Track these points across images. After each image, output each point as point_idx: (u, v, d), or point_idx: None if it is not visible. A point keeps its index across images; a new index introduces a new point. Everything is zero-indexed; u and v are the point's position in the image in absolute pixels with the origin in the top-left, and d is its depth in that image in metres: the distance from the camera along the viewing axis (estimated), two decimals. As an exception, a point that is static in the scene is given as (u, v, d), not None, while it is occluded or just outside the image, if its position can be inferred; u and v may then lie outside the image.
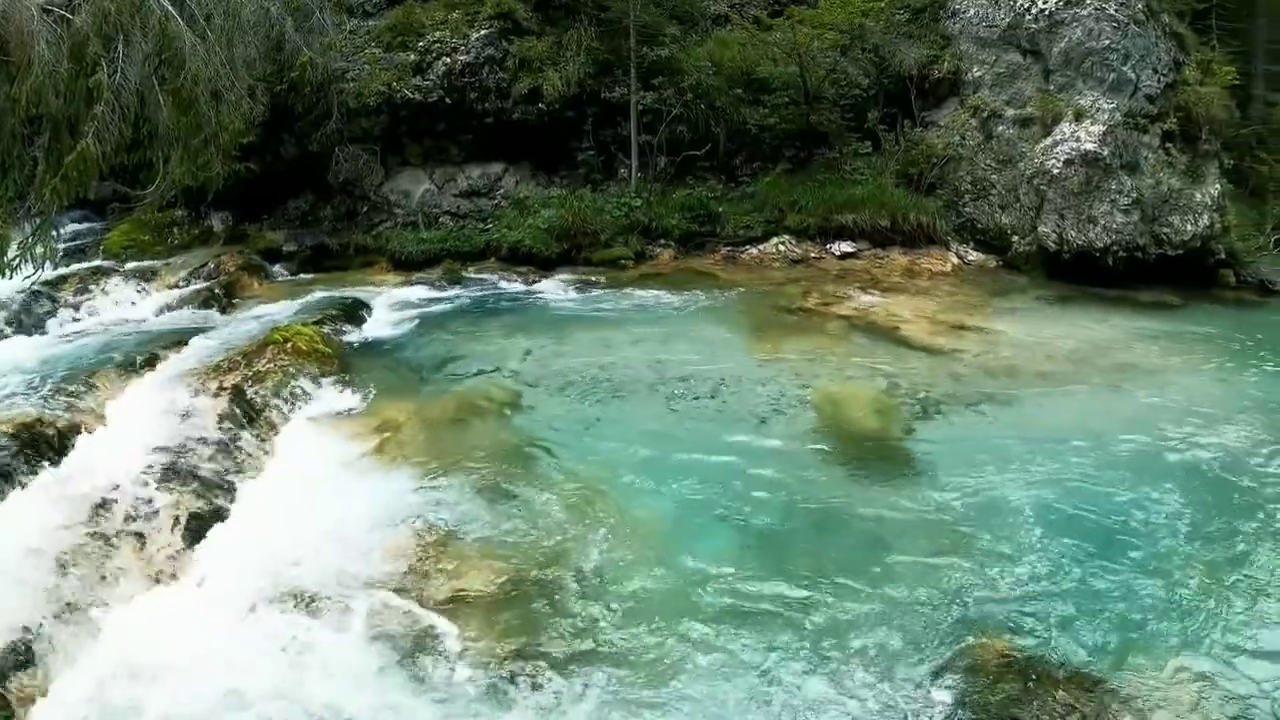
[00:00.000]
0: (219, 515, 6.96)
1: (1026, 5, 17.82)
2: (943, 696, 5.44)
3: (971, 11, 18.79)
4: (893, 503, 7.82)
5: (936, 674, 5.63)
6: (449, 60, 17.88)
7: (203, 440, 7.88)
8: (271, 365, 9.79)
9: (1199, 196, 16.85)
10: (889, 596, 6.42)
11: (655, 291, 15.00)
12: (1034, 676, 5.57)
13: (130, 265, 14.89)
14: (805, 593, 6.42)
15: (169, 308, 13.30)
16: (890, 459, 8.90)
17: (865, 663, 5.71)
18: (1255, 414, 10.18)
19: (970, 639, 5.94)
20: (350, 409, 9.46)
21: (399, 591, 6.21)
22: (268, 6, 13.84)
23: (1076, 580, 6.74)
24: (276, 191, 17.55)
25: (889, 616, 6.18)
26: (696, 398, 10.14)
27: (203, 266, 14.97)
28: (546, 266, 16.47)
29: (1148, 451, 9.06)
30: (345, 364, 10.73)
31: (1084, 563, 6.96)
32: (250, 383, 9.28)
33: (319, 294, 14.14)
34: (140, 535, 6.36)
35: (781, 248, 17.53)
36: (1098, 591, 6.60)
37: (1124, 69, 16.86)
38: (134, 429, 7.93)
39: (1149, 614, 6.35)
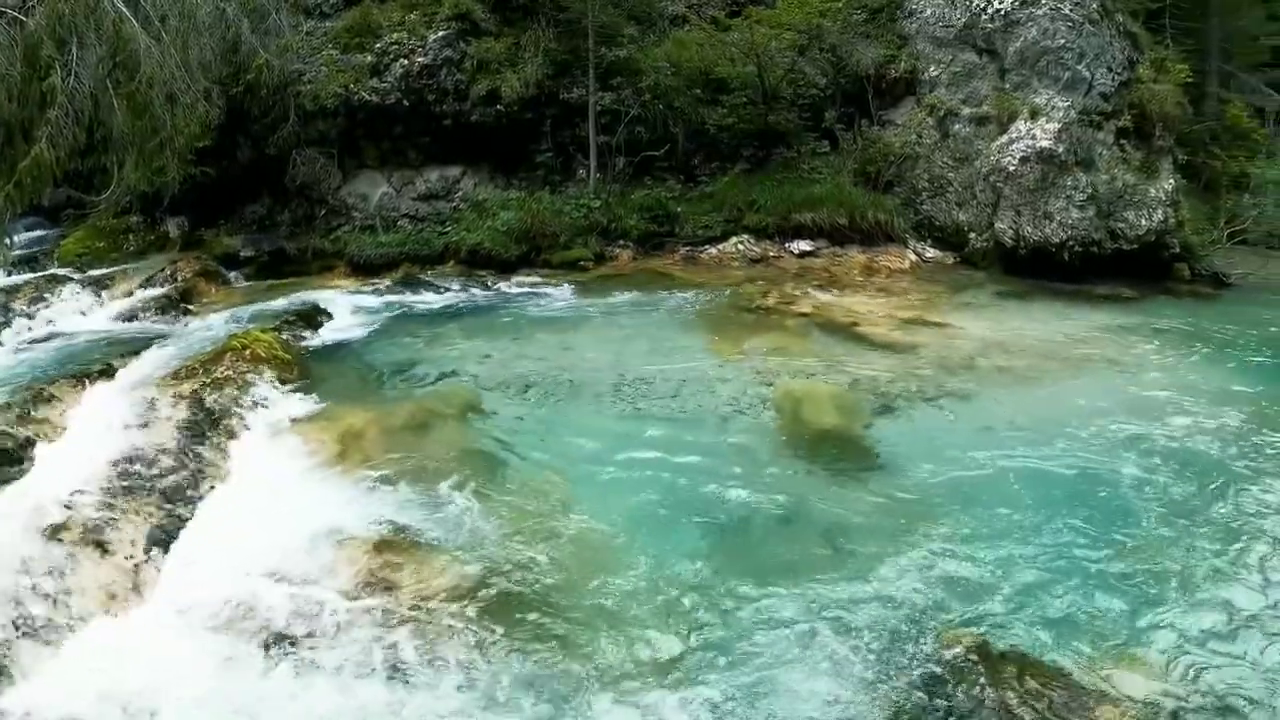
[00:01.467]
0: (179, 526, 6.89)
1: (982, 5, 18.04)
2: (911, 689, 5.47)
3: (928, 11, 19.01)
4: (856, 498, 7.88)
5: (904, 667, 5.67)
6: (406, 62, 17.80)
7: (162, 450, 7.80)
8: (230, 372, 9.71)
9: (1153, 192, 17.14)
10: (854, 592, 6.46)
11: (615, 292, 15.06)
12: (1003, 665, 5.62)
13: (85, 273, 14.73)
14: (770, 590, 6.44)
15: (125, 316, 13.16)
16: (853, 455, 8.98)
17: (831, 658, 5.74)
18: (1211, 403, 10.39)
19: (938, 630, 6.00)
20: (311, 415, 9.37)
21: (364, 601, 6.17)
22: (223, 7, 13.73)
23: (1041, 569, 6.84)
24: (233, 196, 17.40)
25: (855, 611, 6.21)
26: (658, 398, 10.16)
27: (159, 273, 14.83)
28: (506, 269, 16.47)
29: (1107, 442, 9.22)
30: (305, 370, 10.64)
31: (1048, 552, 7.08)
32: (209, 390, 9.20)
33: (277, 299, 14.05)
34: (100, 547, 6.29)
35: (740, 247, 17.65)
36: (1063, 580, 6.70)
37: (1079, 67, 17.10)
38: (92, 440, 7.87)
39: (1116, 601, 6.46)
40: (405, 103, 17.76)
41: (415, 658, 5.64)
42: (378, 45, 17.93)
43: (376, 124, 17.95)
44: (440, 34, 18.15)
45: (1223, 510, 7.84)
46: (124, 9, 11.98)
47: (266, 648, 5.65)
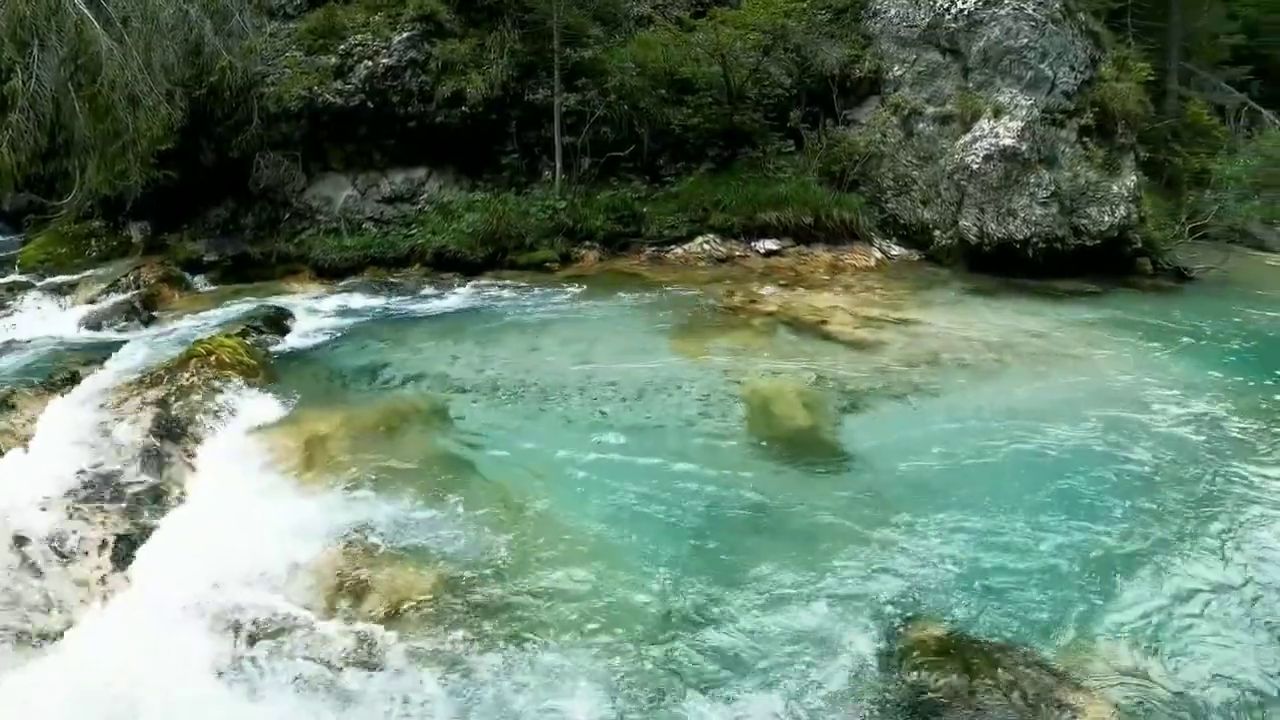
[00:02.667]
0: (146, 535, 6.87)
1: (946, 5, 18.23)
2: (884, 683, 5.56)
3: (892, 11, 19.18)
4: (824, 494, 7.97)
5: (876, 662, 5.76)
6: (371, 63, 17.69)
7: (128, 458, 7.78)
8: (195, 379, 9.64)
9: (1115, 188, 17.38)
10: (825, 587, 6.54)
11: (581, 293, 15.11)
12: (973, 656, 5.74)
13: (47, 280, 14.58)
14: (740, 589, 6.50)
15: (89, 323, 13.01)
16: (820, 451, 9.08)
17: (803, 655, 5.80)
18: (1174, 395, 10.65)
19: (908, 624, 6.10)
20: (277, 421, 9.34)
21: (334, 607, 6.17)
22: (186, 8, 13.64)
23: (1009, 560, 6.97)
24: (196, 199, 17.22)
25: (826, 607, 6.29)
26: (625, 399, 10.20)
27: (122, 279, 14.68)
28: (471, 271, 16.44)
29: (1071, 434, 9.41)
30: (270, 375, 10.59)
31: (1016, 543, 7.21)
32: (174, 397, 9.14)
33: (242, 304, 13.99)
34: (67, 558, 6.28)
35: (706, 247, 17.72)
36: (1031, 569, 6.84)
37: (1041, 67, 17.32)
38: (57, 449, 7.83)
39: (1083, 590, 6.60)
40: (369, 104, 17.66)
41: (384, 662, 5.64)
42: (342, 47, 17.81)
43: (341, 126, 17.82)
44: (405, 35, 18.06)
45: (1185, 498, 8.06)
46: (86, 10, 11.90)
47: (234, 656, 5.64)
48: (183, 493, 7.68)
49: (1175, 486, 8.26)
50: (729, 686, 5.54)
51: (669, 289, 15.43)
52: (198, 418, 8.93)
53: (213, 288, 15.62)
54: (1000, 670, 5.60)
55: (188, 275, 15.72)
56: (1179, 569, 6.89)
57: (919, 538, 7.25)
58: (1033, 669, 5.65)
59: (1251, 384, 11.29)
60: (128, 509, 7.06)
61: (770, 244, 17.78)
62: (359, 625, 5.99)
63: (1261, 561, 7.09)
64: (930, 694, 5.46)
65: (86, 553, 6.40)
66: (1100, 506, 7.88)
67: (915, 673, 5.63)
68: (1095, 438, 9.35)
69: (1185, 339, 13.36)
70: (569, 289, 15.39)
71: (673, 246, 17.80)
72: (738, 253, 17.63)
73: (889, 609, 6.30)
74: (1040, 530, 7.40)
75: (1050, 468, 8.57)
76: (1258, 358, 12.75)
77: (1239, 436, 9.62)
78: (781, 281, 15.93)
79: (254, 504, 7.59)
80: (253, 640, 5.76)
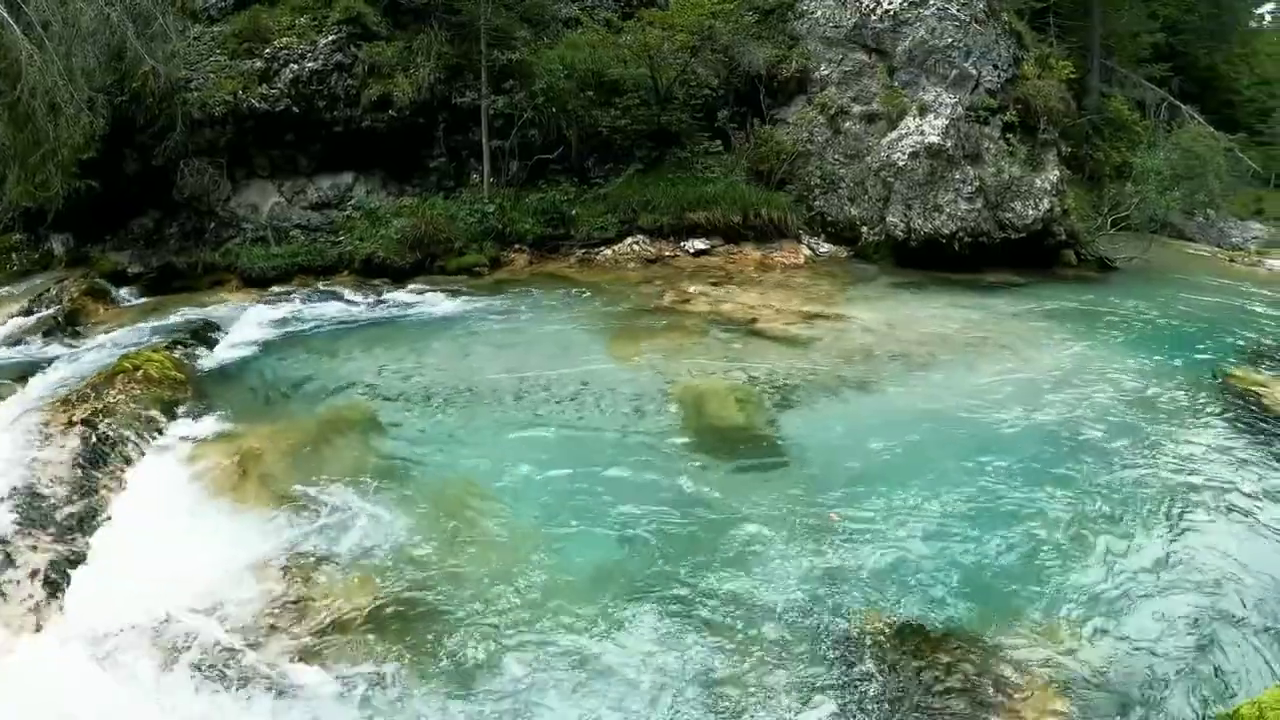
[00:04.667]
0: (78, 560, 6.75)
1: (872, 6, 18.58)
2: (828, 671, 5.69)
3: (819, 13, 19.51)
4: (761, 491, 8.07)
5: (820, 651, 5.88)
6: (297, 67, 17.62)
7: (55, 480, 7.65)
8: (122, 396, 9.51)
9: (1039, 183, 17.85)
10: (765, 584, 6.64)
11: (512, 297, 15.13)
12: (915, 641, 5.91)
13: (-36, 297, 14.27)
14: (680, 590, 6.57)
15: (10, 340, 12.78)
16: (755, 449, 9.20)
17: (747, 654, 5.89)
18: (1099, 379, 11.07)
19: (850, 614, 6.23)
20: (208, 437, 9.20)
21: (272, 627, 6.13)
22: (108, 12, 13.36)
23: (945, 546, 7.17)
24: (119, 210, 17.02)
25: (767, 604, 6.39)
26: (560, 401, 10.27)
27: (45, 293, 14.45)
28: (401, 277, 16.44)
29: (1001, 421, 9.71)
30: (200, 390, 10.49)
31: (950, 530, 7.41)
32: (101, 416, 8.97)
33: (169, 317, 13.84)
34: (-5, 587, 6.19)
35: (636, 247, 17.88)
36: (966, 555, 7.04)
37: (966, 65, 17.73)
38: (-20, 473, 7.69)
39: (1017, 572, 6.84)
40: (295, 109, 17.57)
41: (323, 680, 5.63)
42: (267, 50, 17.70)
43: (266, 131, 17.71)
44: (331, 38, 17.99)
45: (1114, 479, 8.36)
46: (5, 14, 11.65)
47: (168, 681, 5.59)
48: (114, 514, 7.54)
49: (1104, 468, 8.57)
50: (668, 689, 5.59)
51: (600, 290, 15.54)
52: (126, 436, 8.80)
53: (138, 300, 15.45)
54: (941, 652, 5.80)
55: (112, 288, 15.54)
56: (1109, 548, 7.16)
57: (854, 529, 7.40)
58: (973, 649, 5.84)
59: (1174, 364, 11.80)
60: (58, 533, 6.93)
61: (699, 243, 17.98)
62: (296, 643, 5.96)
63: (1187, 535, 7.40)
64: (875, 679, 5.60)
65: (15, 579, 6.30)
66: (1032, 491, 8.12)
67: (859, 659, 5.77)
68: (1024, 424, 9.64)
69: (1109, 325, 13.87)
70: (499, 293, 15.41)
71: (602, 248, 17.96)
72: (667, 253, 17.81)
73: (829, 599, 6.43)
74: (973, 518, 7.61)
75: (982, 456, 8.78)
76: (1177, 339, 13.32)
77: (1163, 415, 10.02)
78: (712, 280, 16.11)
79: (186, 524, 7.48)
80: (187, 665, 5.72)
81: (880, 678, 5.63)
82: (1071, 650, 5.92)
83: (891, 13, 18.48)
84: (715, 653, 5.89)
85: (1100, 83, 27.81)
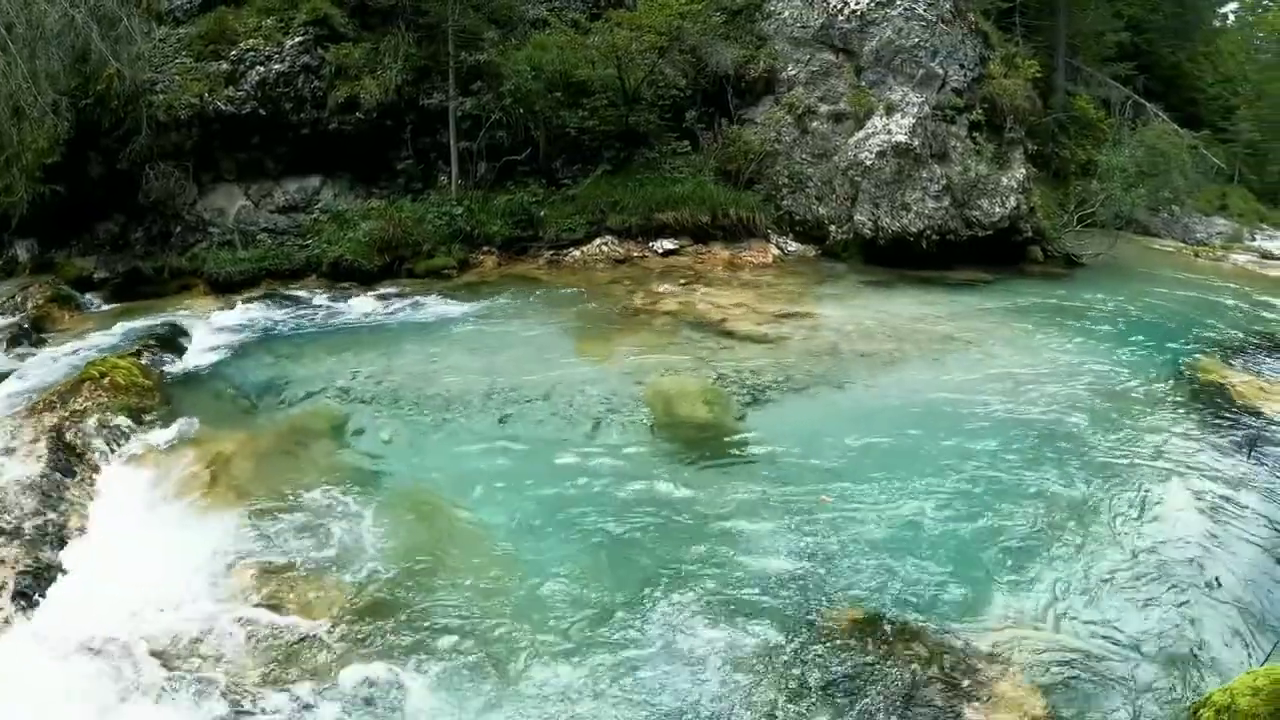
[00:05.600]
0: (49, 572, 6.71)
1: (839, 6, 18.73)
2: (804, 667, 5.74)
3: (786, 13, 19.63)
4: (732, 490, 8.14)
5: (795, 647, 5.94)
6: (263, 69, 17.55)
7: (23, 490, 7.60)
8: (90, 403, 9.44)
9: (1005, 181, 18.05)
10: (738, 580, 6.71)
11: (481, 299, 15.14)
12: (890, 634, 5.99)
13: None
14: (652, 589, 6.61)
15: (-27, 349, 12.62)
16: (726, 448, 9.26)
17: (722, 648, 5.94)
18: (1066, 374, 11.29)
19: (824, 609, 6.30)
20: (177, 443, 9.12)
21: (248, 635, 6.11)
22: (73, 14, 13.24)
23: (916, 540, 7.28)
24: (85, 215, 16.90)
25: (741, 600, 6.46)
26: (530, 403, 10.27)
27: (9, 300, 14.31)
28: (369, 280, 16.40)
29: (969, 415, 9.85)
30: (168, 396, 10.42)
31: (921, 525, 7.53)
32: (68, 424, 8.92)
33: (135, 323, 13.67)
34: (-38, 599, 6.15)
35: (604, 248, 17.92)
36: (938, 548, 7.15)
37: (932, 65, 17.91)
38: (-55, 484, 7.63)
39: (990, 565, 6.94)
40: (262, 112, 17.49)
41: (298, 687, 5.63)
42: (233, 52, 17.62)
43: (232, 134, 17.62)
44: (297, 40, 17.92)
45: (1081, 471, 8.52)
46: (-32, 19, 11.54)
47: (141, 692, 5.58)
48: (84, 523, 7.51)
49: (1071, 460, 8.74)
50: (641, 688, 5.63)
51: (569, 292, 15.58)
52: (94, 444, 8.75)
53: (105, 306, 15.34)
54: (917, 646, 5.88)
55: (78, 295, 15.41)
56: (1077, 540, 7.31)
57: (825, 525, 7.49)
58: (949, 644, 5.93)
59: (1141, 357, 12.05)
60: (27, 544, 6.89)
61: (668, 243, 18.03)
62: (271, 651, 5.96)
63: (1158, 524, 7.59)
64: (851, 673, 5.67)
65: (-15, 592, 6.27)
66: (1001, 484, 8.25)
67: (834, 654, 5.84)
68: (995, 418, 9.79)
69: (1075, 319, 14.11)
70: (469, 295, 15.40)
71: (571, 249, 17.98)
72: (636, 253, 17.86)
73: (803, 595, 6.50)
74: (943, 513, 7.72)
75: (951, 451, 8.93)
76: (1144, 333, 13.57)
77: (1129, 406, 10.23)
78: (681, 280, 16.16)
79: (157, 531, 7.48)
80: (160, 675, 5.71)
81: (852, 670, 5.70)
82: (1045, 639, 6.04)
83: (859, 13, 18.64)
84: (673, 659, 5.90)
85: (1066, 81, 28.17)
